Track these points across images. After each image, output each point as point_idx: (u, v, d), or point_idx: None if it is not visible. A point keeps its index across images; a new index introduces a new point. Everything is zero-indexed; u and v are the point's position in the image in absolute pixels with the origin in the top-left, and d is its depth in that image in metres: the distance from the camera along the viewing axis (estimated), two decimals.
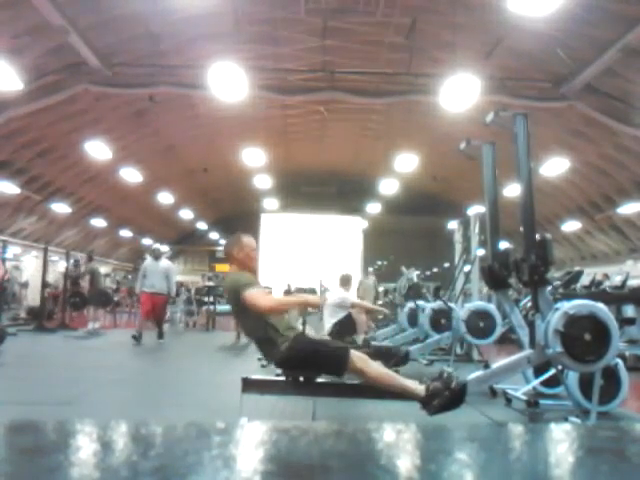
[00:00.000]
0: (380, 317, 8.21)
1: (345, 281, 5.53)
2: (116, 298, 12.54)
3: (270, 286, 13.03)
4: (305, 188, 22.03)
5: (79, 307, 8.32)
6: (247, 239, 2.96)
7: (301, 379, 2.64)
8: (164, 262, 7.77)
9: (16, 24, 7.82)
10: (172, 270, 7.80)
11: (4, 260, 9.90)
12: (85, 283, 9.38)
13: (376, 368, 2.47)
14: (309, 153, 19.08)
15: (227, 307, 8.05)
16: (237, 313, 2.82)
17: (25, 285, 17.05)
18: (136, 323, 7.80)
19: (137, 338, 6.89)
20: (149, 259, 7.79)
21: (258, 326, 2.66)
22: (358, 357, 2.48)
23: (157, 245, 8.05)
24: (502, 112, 3.58)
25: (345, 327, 4.99)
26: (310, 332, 3.13)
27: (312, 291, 10.52)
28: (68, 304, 8.29)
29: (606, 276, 9.12)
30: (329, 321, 5.14)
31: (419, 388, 2.40)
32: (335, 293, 5.36)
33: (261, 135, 13.61)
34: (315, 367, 2.60)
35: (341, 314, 5.12)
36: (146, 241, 23.00)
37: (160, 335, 7.56)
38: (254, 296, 2.60)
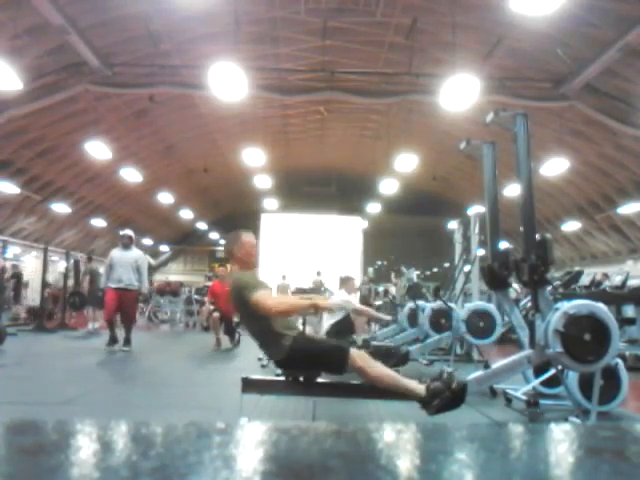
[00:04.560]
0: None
1: (345, 283, 5.57)
2: None
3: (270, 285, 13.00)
4: (305, 188, 22.04)
5: (78, 307, 8.23)
6: (246, 236, 2.96)
7: (301, 379, 2.64)
8: (135, 252, 6.56)
9: (16, 24, 7.82)
10: (143, 261, 6.61)
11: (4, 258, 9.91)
12: (85, 283, 9.37)
13: (376, 366, 2.47)
14: (309, 153, 19.10)
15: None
16: (242, 314, 2.82)
17: (25, 285, 17.03)
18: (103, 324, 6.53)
19: (111, 342, 6.31)
20: (117, 248, 6.57)
21: (262, 327, 2.67)
22: (358, 355, 2.48)
23: (126, 230, 6.72)
24: (502, 112, 3.58)
25: (343, 327, 4.99)
26: (309, 331, 3.14)
27: (312, 291, 10.52)
28: (67, 304, 8.22)
29: (606, 276, 9.11)
30: (328, 321, 5.15)
31: (419, 388, 2.40)
32: (339, 295, 5.39)
33: (261, 135, 13.62)
34: (316, 366, 2.61)
35: (340, 314, 5.12)
36: (146, 241, 23.01)
37: (127, 341, 6.39)
38: (262, 299, 2.60)
